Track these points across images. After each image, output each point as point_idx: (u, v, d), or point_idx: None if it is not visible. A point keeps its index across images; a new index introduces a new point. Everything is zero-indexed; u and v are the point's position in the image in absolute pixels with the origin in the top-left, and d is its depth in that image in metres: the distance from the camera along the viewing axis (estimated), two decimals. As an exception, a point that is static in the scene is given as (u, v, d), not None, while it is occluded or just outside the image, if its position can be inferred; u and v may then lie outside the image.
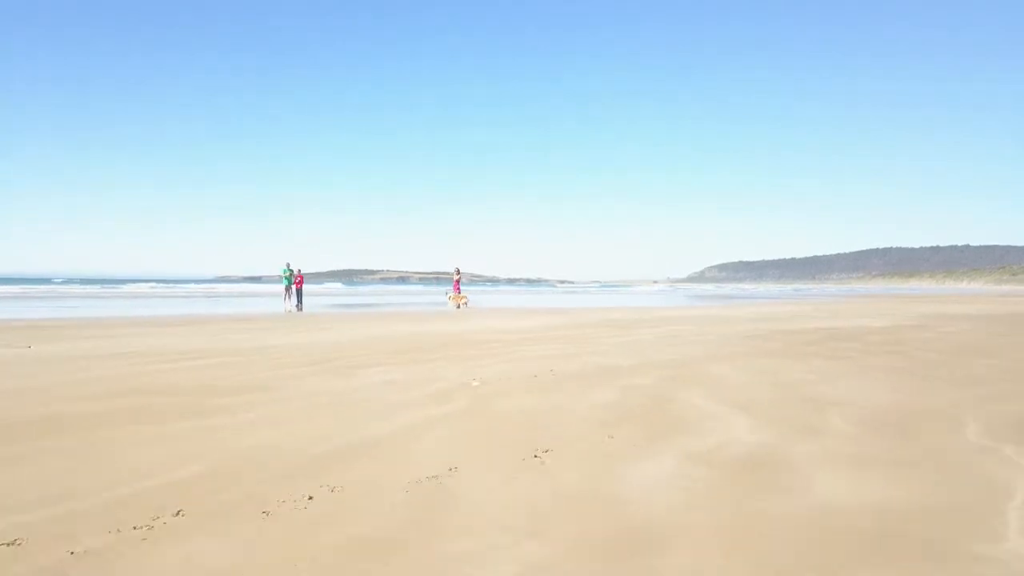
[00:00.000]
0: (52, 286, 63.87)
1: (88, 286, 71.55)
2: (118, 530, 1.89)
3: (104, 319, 13.78)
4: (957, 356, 6.07)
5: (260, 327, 11.17)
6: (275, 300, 36.10)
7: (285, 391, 4.12)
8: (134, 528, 1.90)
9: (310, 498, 2.16)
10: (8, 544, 1.81)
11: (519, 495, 2.19)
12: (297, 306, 23.29)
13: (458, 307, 22.12)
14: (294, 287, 23.93)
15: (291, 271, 24.18)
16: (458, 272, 24.71)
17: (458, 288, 23.55)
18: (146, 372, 5.17)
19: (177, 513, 2.02)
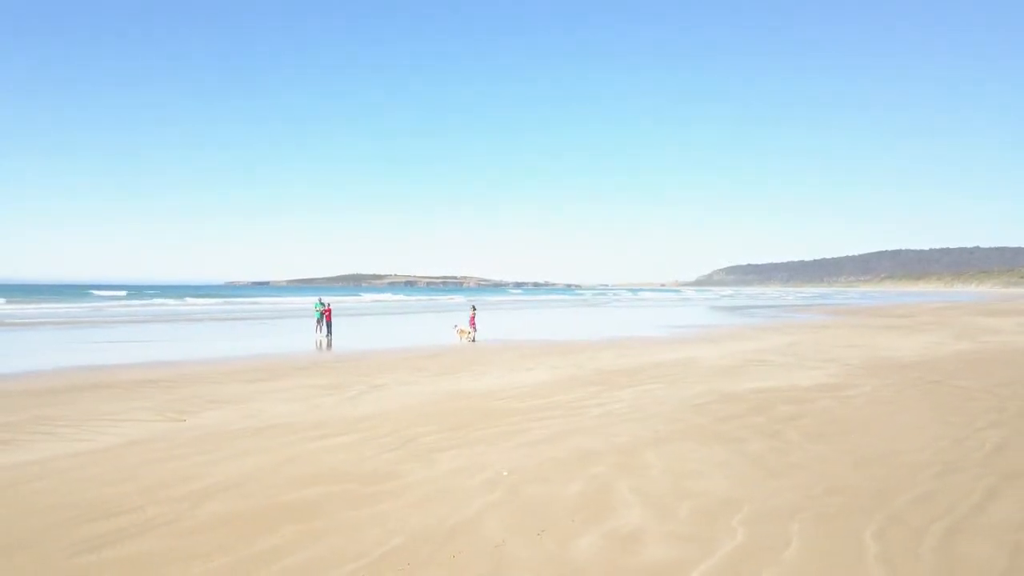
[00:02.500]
0: (99, 303, 68.57)
1: (129, 301, 76.90)
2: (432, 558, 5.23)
3: (203, 366, 17.15)
4: (811, 442, 9.30)
5: (327, 382, 14.64)
6: (303, 322, 40.02)
7: (405, 478, 7.42)
8: (440, 554, 5.24)
9: (452, 556, 5.49)
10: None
11: (539, 547, 5.52)
12: (327, 336, 27.61)
13: (473, 341, 25.71)
14: (324, 320, 28.46)
15: (322, 304, 28.86)
16: (473, 309, 28.41)
17: (473, 324, 27.06)
18: (302, 456, 8.47)
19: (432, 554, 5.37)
